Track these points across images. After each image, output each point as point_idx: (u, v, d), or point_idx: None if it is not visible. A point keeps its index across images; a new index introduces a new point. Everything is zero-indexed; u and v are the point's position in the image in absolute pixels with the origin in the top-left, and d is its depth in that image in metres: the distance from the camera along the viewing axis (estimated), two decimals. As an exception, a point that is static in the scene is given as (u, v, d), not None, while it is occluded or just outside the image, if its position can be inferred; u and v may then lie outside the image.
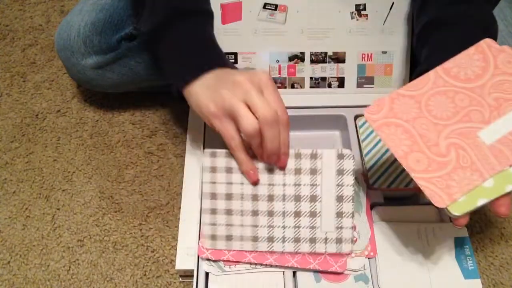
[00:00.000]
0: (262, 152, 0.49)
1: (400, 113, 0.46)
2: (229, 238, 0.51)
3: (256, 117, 0.45)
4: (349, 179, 0.51)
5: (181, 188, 0.67)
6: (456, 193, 0.42)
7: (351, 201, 0.51)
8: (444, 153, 0.44)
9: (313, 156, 0.52)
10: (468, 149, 0.44)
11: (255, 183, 0.51)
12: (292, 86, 0.68)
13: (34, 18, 0.97)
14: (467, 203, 0.42)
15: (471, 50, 0.48)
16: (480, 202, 0.42)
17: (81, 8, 0.72)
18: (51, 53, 0.91)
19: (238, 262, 0.51)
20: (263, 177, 0.52)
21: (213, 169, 0.53)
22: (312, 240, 0.50)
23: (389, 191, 0.57)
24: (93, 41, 0.69)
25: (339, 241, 0.50)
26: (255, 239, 0.51)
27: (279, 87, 0.68)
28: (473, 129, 0.45)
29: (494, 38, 0.49)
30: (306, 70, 0.67)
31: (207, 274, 0.51)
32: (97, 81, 0.74)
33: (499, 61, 0.47)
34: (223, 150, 0.53)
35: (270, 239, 0.51)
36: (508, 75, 0.47)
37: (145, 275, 0.65)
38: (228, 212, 0.52)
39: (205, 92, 0.49)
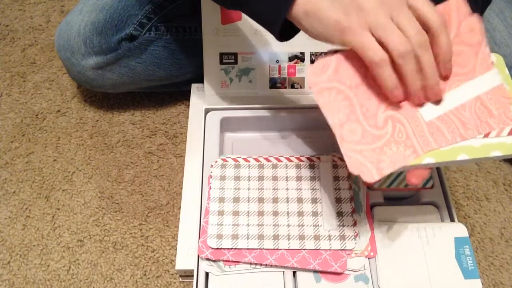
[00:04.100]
0: (413, 82, 0.41)
1: (344, 77, 0.43)
2: (235, 237, 0.52)
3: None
4: (345, 184, 0.56)
5: (181, 188, 0.67)
6: (386, 167, 0.41)
7: (349, 201, 0.54)
8: (380, 126, 0.42)
9: (311, 166, 0.57)
10: (405, 123, 0.42)
11: (400, 101, 0.43)
12: (292, 86, 0.68)
13: (34, 18, 0.97)
14: None
15: (440, 7, 0.43)
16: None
17: (81, 8, 0.72)
18: (51, 53, 0.91)
19: (238, 262, 0.51)
20: (268, 183, 0.56)
21: (222, 178, 0.57)
22: (317, 237, 0.51)
23: (389, 191, 0.57)
24: (93, 41, 0.69)
25: (342, 238, 0.51)
26: (261, 237, 0.52)
27: (279, 87, 0.68)
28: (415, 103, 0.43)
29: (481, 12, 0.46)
30: (306, 70, 0.67)
31: (207, 274, 0.51)
32: (97, 81, 0.74)
33: (462, 27, 0.43)
34: (232, 162, 0.58)
35: (276, 237, 0.51)
36: (466, 46, 0.43)
37: (145, 275, 0.65)
38: (235, 213, 0.54)
39: (328, 2, 0.41)
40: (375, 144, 0.42)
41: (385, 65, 0.40)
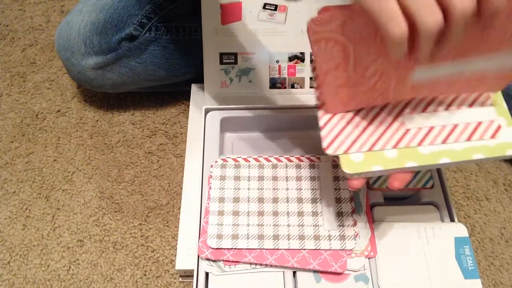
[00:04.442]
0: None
1: (349, 32, 0.37)
2: (235, 237, 0.52)
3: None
4: (345, 184, 0.56)
5: (181, 188, 0.68)
6: (351, 104, 0.42)
7: (349, 201, 0.54)
8: (367, 76, 0.40)
9: (311, 166, 0.57)
10: (392, 78, 0.39)
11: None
12: (292, 86, 0.68)
13: (34, 18, 0.97)
14: (362, 165, 0.41)
15: None
16: (375, 168, 0.41)
17: (81, 8, 0.72)
18: (51, 53, 0.91)
19: (238, 262, 0.51)
20: (268, 183, 0.56)
21: (222, 178, 0.57)
22: (317, 237, 0.51)
23: (389, 191, 0.57)
24: (93, 41, 0.69)
25: (342, 238, 0.51)
26: (261, 237, 0.52)
27: (279, 87, 0.68)
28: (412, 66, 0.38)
29: None
30: (306, 70, 0.67)
31: (207, 274, 0.51)
32: (97, 81, 0.74)
33: None
34: (232, 162, 0.58)
35: (276, 237, 0.51)
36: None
37: (145, 275, 0.65)
38: (235, 213, 0.54)
39: None
40: (354, 88, 0.41)
41: (404, 41, 0.31)
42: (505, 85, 0.41)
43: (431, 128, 0.43)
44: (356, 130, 0.43)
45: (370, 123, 0.43)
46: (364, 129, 0.43)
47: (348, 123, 0.43)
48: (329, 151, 0.42)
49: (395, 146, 0.42)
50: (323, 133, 0.43)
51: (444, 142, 0.42)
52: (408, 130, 0.43)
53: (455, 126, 0.43)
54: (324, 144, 0.43)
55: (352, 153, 0.42)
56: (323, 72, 0.41)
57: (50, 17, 0.97)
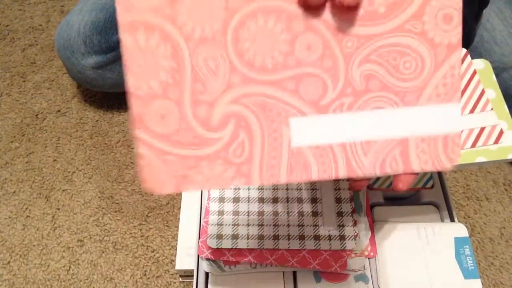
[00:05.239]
0: None
1: (186, 13, 0.23)
2: (235, 237, 0.52)
3: None
4: (345, 184, 0.56)
5: (181, 188, 0.67)
6: (194, 184, 0.25)
7: (349, 201, 0.54)
8: (215, 125, 0.25)
9: None
10: (256, 134, 0.25)
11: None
12: (292, 86, 0.67)
13: (34, 18, 0.97)
14: None
15: None
16: None
17: (81, 8, 0.72)
18: (51, 53, 0.91)
19: (238, 262, 0.51)
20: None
21: None
22: (317, 238, 0.51)
23: (389, 191, 0.57)
24: (93, 40, 0.69)
25: (342, 238, 0.51)
26: (261, 237, 0.52)
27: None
28: (292, 109, 0.25)
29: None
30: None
31: (207, 274, 0.51)
32: (97, 81, 0.74)
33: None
34: None
35: (276, 237, 0.51)
36: (411, 36, 0.25)
37: (145, 275, 0.65)
38: (235, 213, 0.53)
39: None
40: (193, 150, 0.25)
41: None
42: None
43: None
44: None
45: None
46: None
47: None
48: None
49: None
50: None
51: None
52: None
53: (460, 132, 0.44)
54: None
55: None
56: (142, 101, 0.24)
57: (50, 17, 0.97)
